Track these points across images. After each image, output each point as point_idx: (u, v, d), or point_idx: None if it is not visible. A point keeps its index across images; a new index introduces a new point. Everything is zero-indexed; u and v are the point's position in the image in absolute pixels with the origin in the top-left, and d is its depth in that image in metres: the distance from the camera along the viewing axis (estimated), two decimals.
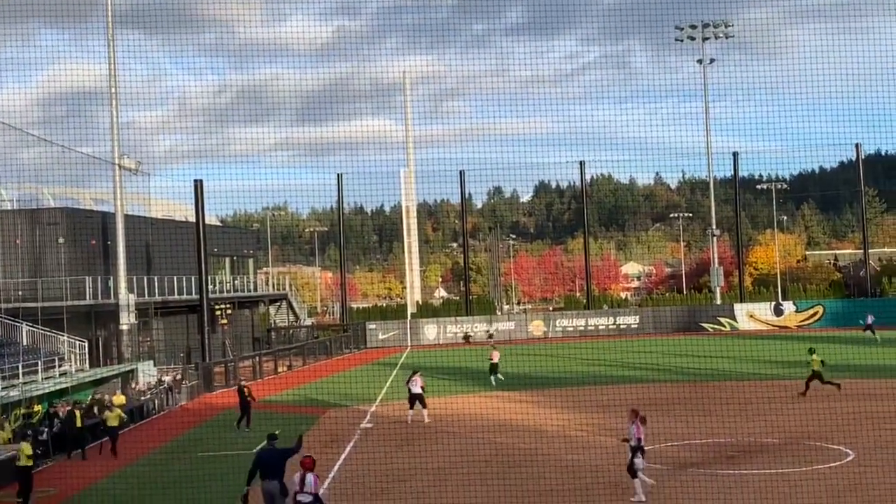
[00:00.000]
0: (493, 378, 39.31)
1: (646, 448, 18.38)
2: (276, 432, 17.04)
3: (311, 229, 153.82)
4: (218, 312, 59.32)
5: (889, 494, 16.94)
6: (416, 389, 30.05)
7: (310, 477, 14.91)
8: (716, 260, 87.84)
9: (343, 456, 24.77)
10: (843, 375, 37.41)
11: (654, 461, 21.96)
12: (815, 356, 32.17)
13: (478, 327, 77.05)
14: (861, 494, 17.27)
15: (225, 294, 66.48)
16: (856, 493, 17.46)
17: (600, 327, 78.75)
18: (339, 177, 77.96)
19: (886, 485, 17.73)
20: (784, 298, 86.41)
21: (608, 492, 18.64)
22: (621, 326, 78.54)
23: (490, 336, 73.33)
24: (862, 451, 21.71)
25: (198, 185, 51.52)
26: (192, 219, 53.92)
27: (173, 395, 39.35)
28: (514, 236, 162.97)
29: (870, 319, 61.46)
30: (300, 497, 14.79)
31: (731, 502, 17.17)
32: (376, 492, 17.68)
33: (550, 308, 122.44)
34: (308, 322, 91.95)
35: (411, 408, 29.97)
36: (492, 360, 40.05)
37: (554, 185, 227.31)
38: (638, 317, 79.91)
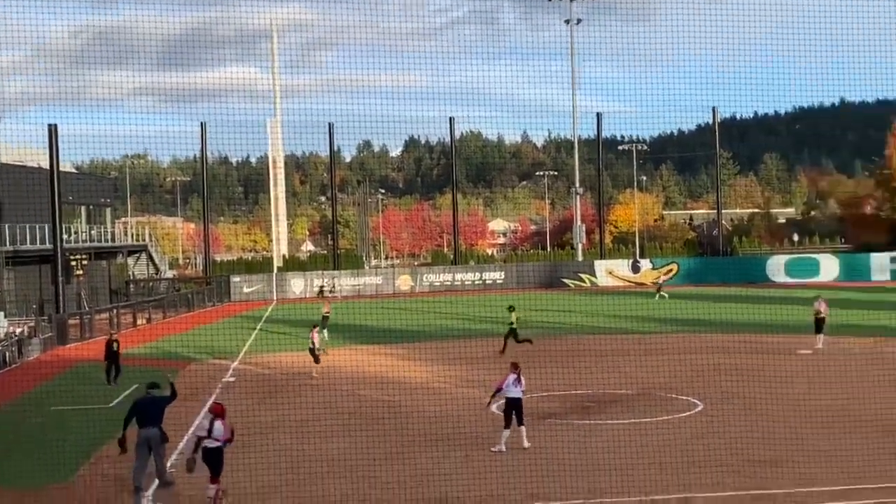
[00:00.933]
0: (325, 332, 38.47)
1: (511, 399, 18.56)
2: (158, 381, 16.97)
3: (173, 179, 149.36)
4: (73, 263, 57.01)
5: (734, 441, 17.81)
6: (310, 344, 29.65)
7: (218, 423, 14.79)
8: (578, 218, 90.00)
9: (203, 410, 24.28)
10: (697, 329, 39.03)
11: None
12: (513, 314, 32.71)
13: (328, 282, 76.39)
14: (708, 442, 18.08)
15: (80, 244, 63.97)
16: (703, 441, 18.27)
17: (466, 282, 79.63)
18: (203, 125, 75.71)
19: (731, 433, 18.63)
20: (641, 256, 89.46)
21: (468, 442, 18.92)
22: (487, 281, 79.62)
23: (332, 290, 72.50)
24: (709, 402, 22.73)
25: (52, 130, 49.10)
26: (46, 165, 51.42)
27: (25, 347, 37.73)
28: (383, 191, 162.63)
29: (662, 279, 64.45)
30: (207, 443, 14.73)
31: (587, 450, 17.69)
32: (238, 446, 17.42)
33: (416, 263, 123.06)
34: (169, 274, 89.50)
35: (316, 363, 29.41)
36: (325, 313, 39.32)
37: (423, 140, 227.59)
38: (503, 272, 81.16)
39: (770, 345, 33.04)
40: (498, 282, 79.53)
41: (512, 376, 18.25)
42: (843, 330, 34.53)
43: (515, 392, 18.00)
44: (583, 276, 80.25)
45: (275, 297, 74.40)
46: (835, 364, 27.17)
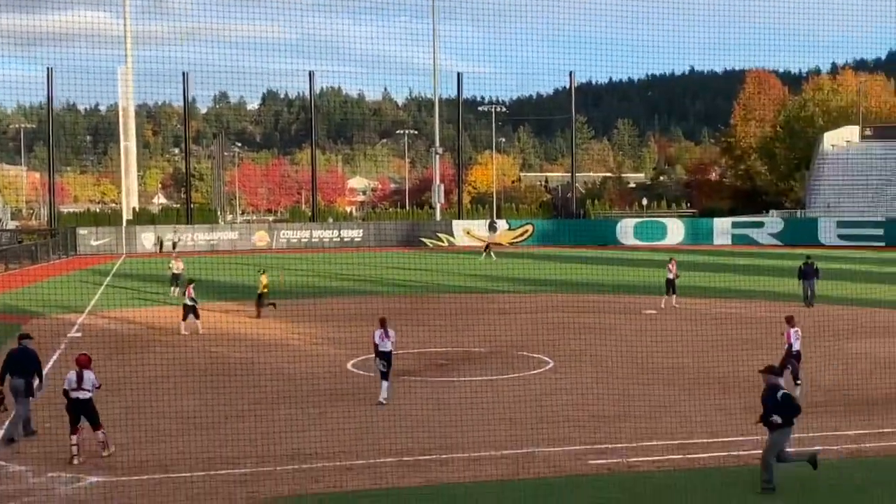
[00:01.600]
0: (175, 289, 37.74)
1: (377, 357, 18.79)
2: (29, 332, 17.30)
3: (17, 126, 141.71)
4: None
5: (581, 398, 18.41)
6: (188, 301, 28.66)
7: (88, 374, 15.14)
8: (437, 178, 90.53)
9: (48, 367, 23.32)
10: (549, 289, 40.03)
11: (370, 370, 22.49)
12: (263, 276, 32.65)
13: (177, 237, 74.37)
14: (557, 398, 18.64)
15: None
16: (553, 397, 18.83)
17: (325, 240, 79.10)
18: (50, 71, 71.94)
19: (579, 390, 19.26)
20: (498, 217, 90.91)
21: (325, 398, 18.89)
22: (345, 239, 79.32)
23: (174, 245, 70.66)
24: (559, 360, 23.40)
25: None
26: None
27: None
28: (239, 144, 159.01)
29: (489, 240, 66.05)
30: (77, 394, 15.03)
31: (441, 406, 17.95)
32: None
33: (271, 219, 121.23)
34: (11, 225, 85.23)
35: (184, 319, 28.37)
36: (175, 270, 38.47)
37: (282, 94, 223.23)
38: (362, 230, 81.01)
39: (618, 305, 34.24)
40: (356, 240, 79.34)
41: (378, 331, 18.77)
42: (686, 291, 36.11)
43: (385, 345, 18.69)
44: (441, 235, 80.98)
45: (124, 252, 71.95)
46: (678, 324, 28.43)
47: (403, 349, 24.42)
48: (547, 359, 23.70)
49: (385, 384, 18.71)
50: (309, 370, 21.82)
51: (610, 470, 14.21)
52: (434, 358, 23.78)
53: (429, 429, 16.41)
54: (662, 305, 33.33)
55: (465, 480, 13.64)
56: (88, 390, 15.05)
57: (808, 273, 34.00)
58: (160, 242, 72.12)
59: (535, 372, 22.14)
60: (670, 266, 34.55)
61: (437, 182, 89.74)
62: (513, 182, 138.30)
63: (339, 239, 79.47)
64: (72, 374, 15.20)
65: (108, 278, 49.97)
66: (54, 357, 24.67)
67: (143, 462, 14.60)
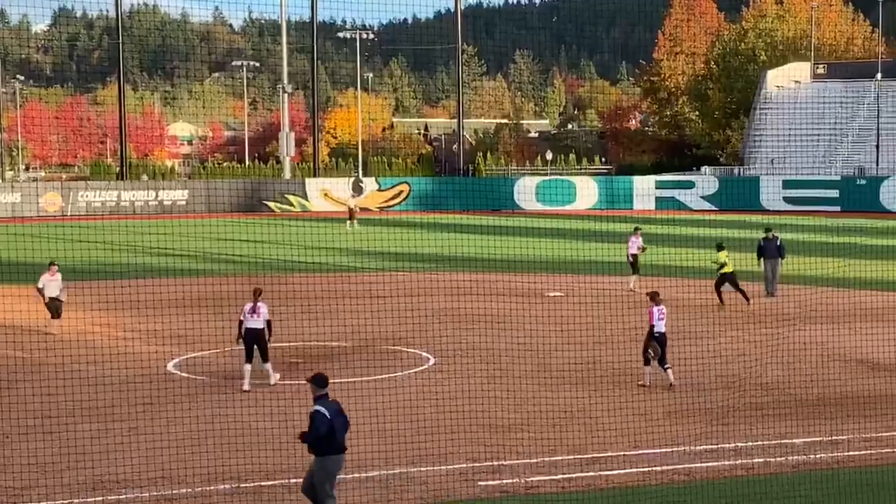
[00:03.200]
0: None
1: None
2: None
3: None
4: None
5: (468, 404, 18.58)
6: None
7: (262, 306, 19.87)
8: (286, 123, 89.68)
9: None
10: (431, 267, 40.28)
11: (199, 371, 22.20)
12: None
13: None
14: (439, 404, 18.77)
15: None
16: (433, 402, 18.95)
17: (137, 203, 77.57)
18: None
19: (467, 393, 19.42)
20: (365, 174, 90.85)
21: (138, 410, 18.59)
22: (165, 203, 77.96)
23: None
24: (442, 356, 23.57)
25: None
26: None
27: None
28: (22, 78, 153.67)
29: (352, 203, 66.56)
30: (251, 324, 19.95)
31: (289, 418, 17.89)
32: None
33: (68, 176, 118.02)
34: None
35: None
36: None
37: (80, 12, 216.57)
38: (187, 191, 79.76)
39: (517, 286, 34.71)
40: (180, 203, 78.06)
41: (248, 304, 20.49)
42: (601, 268, 36.86)
43: (255, 322, 20.42)
44: (291, 197, 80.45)
45: None
46: (591, 309, 28.99)
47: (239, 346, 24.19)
48: (427, 355, 23.83)
49: (248, 368, 20.41)
50: (117, 373, 21.39)
51: (504, 493, 14.42)
52: (283, 356, 23.64)
53: (273, 446, 16.31)
54: (632, 287, 33.64)
55: None
56: (262, 320, 19.86)
57: (769, 250, 34.00)
58: None
59: (411, 371, 22.25)
60: (634, 238, 34.74)
61: (286, 129, 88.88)
62: (384, 130, 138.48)
63: (156, 202, 77.94)
64: (247, 305, 20.04)
65: None
66: None
67: None
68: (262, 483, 14.74)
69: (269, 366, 20.80)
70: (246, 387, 20.28)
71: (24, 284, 34.70)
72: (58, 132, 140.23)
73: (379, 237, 51.26)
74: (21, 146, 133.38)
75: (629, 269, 34.98)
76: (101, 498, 14.16)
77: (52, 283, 27.04)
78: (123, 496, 14.22)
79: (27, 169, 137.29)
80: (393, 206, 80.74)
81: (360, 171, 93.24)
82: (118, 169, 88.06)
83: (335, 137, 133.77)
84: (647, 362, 20.77)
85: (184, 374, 22.13)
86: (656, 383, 20.61)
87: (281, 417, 18.09)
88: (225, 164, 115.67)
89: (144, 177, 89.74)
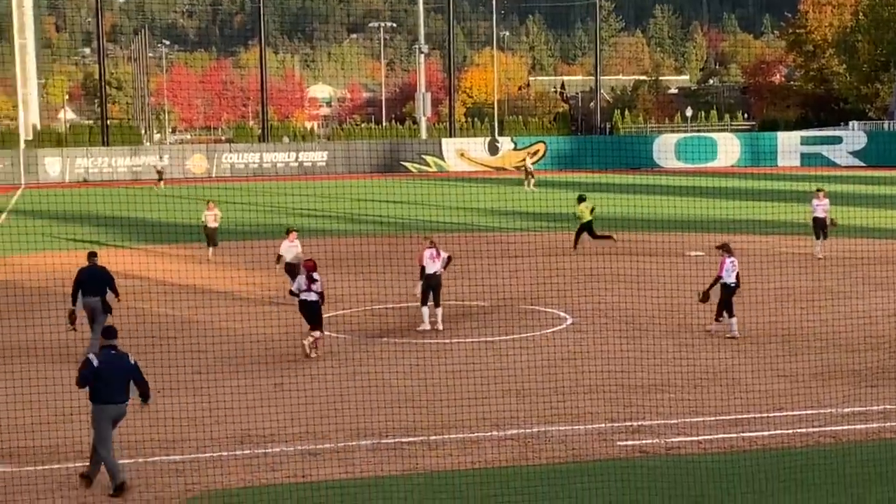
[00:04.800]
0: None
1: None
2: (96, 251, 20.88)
3: None
4: None
5: (606, 364, 18.52)
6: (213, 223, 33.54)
7: (317, 276, 20.15)
8: (423, 84, 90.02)
9: None
10: (567, 227, 40.11)
11: (337, 328, 22.61)
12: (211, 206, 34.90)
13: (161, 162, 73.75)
14: (576, 364, 18.75)
15: None
16: (571, 363, 18.94)
17: (279, 165, 78.96)
18: None
19: (605, 353, 19.36)
20: (501, 133, 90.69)
21: (282, 366, 19.00)
22: (305, 164, 79.16)
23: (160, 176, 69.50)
24: (580, 316, 23.51)
25: None
26: None
27: None
28: (167, 43, 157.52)
29: (529, 163, 65.41)
30: (306, 296, 20.09)
31: (430, 376, 18.08)
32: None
33: (213, 139, 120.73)
34: None
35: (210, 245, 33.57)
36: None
37: None
38: (326, 153, 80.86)
39: (656, 245, 34.33)
40: (319, 164, 79.20)
41: (428, 251, 21.86)
42: (740, 227, 36.17)
43: (433, 267, 21.91)
44: (428, 158, 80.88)
45: (22, 182, 71.74)
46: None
47: (383, 303, 24.55)
48: (564, 314, 23.80)
49: (426, 310, 21.99)
50: (262, 331, 21.89)
51: (644, 453, 14.36)
52: (421, 314, 23.87)
53: (414, 404, 16.54)
54: (818, 254, 32.18)
55: (460, 467, 13.79)
56: (317, 292, 20.03)
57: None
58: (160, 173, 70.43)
59: (549, 331, 22.25)
60: (818, 201, 32.45)
61: (423, 89, 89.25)
62: (520, 89, 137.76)
63: (296, 164, 79.25)
64: (301, 278, 20.38)
65: (3, 216, 49.84)
66: None
67: (53, 448, 14.71)
68: (402, 439, 14.96)
69: (440, 311, 22.39)
70: (427, 327, 22.05)
71: (172, 244, 35.78)
72: (202, 96, 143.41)
73: (515, 197, 51.23)
74: (167, 110, 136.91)
75: (815, 232, 32.59)
76: (248, 451, 14.57)
77: (291, 249, 27.51)
78: (269, 450, 14.60)
79: (173, 132, 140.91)
80: (531, 165, 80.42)
81: (496, 131, 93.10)
82: (260, 131, 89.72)
83: (471, 97, 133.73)
84: (731, 314, 21.11)
85: (326, 333, 22.56)
86: (805, 343, 20.22)
87: (421, 375, 18.31)
88: (363, 125, 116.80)
89: (285, 139, 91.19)
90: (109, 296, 20.55)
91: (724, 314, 21.15)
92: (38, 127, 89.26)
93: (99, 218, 41.71)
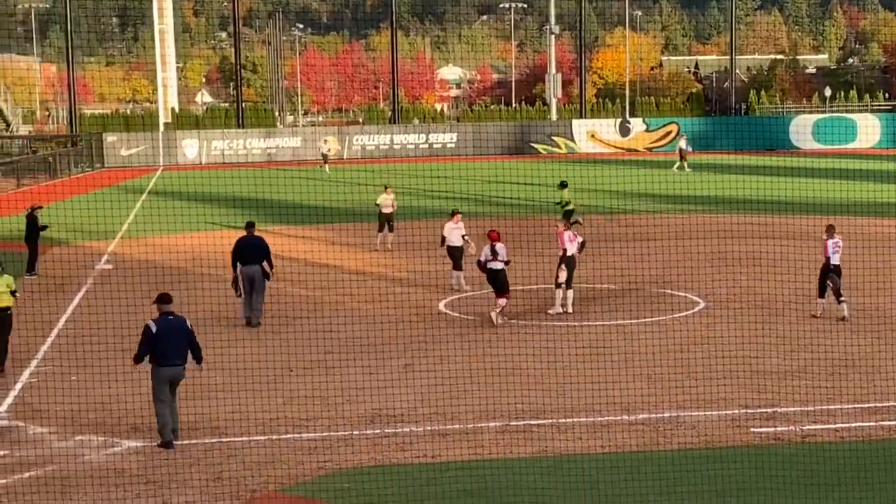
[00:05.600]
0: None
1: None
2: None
3: (28, 5, 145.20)
4: None
5: (740, 349, 18.21)
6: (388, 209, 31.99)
7: (500, 246, 21.20)
8: (553, 65, 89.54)
9: (71, 308, 24.22)
10: (701, 209, 39.53)
11: (469, 312, 22.69)
12: (387, 192, 32.59)
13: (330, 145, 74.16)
14: (709, 349, 18.47)
15: None
16: (703, 347, 18.67)
17: (409, 146, 79.49)
18: None
19: (738, 338, 19.03)
20: (633, 115, 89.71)
21: (412, 347, 19.16)
22: (434, 146, 79.54)
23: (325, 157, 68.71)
24: (713, 300, 23.16)
25: None
26: None
27: None
28: (301, 27, 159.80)
29: (683, 143, 62.69)
30: (492, 265, 21.11)
31: (559, 359, 18.02)
32: (117, 352, 17.47)
33: (344, 121, 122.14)
34: (23, 130, 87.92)
35: (381, 231, 31.95)
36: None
37: None
38: (456, 134, 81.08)
39: (792, 228, 33.58)
40: (449, 146, 79.49)
41: (568, 233, 22.11)
42: (879, 210, 35.17)
43: (572, 248, 22.02)
44: (558, 139, 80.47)
45: (161, 163, 73.66)
46: (872, 252, 27.75)
47: (511, 285, 24.51)
48: (696, 298, 23.48)
49: (560, 293, 21.96)
50: (392, 312, 22.12)
51: (778, 440, 14.10)
52: (551, 296, 23.81)
53: (543, 386, 16.52)
54: None
55: (589, 451, 13.72)
56: (501, 261, 21.00)
57: None
58: (324, 156, 69.73)
59: (680, 315, 21.98)
60: None
61: (553, 71, 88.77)
62: (652, 69, 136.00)
63: (426, 145, 79.69)
64: (487, 248, 21.25)
65: (143, 196, 51.25)
66: (80, 295, 25.59)
67: (190, 424, 15.09)
68: (531, 422, 14.95)
69: (570, 294, 22.12)
70: (559, 309, 21.99)
71: (306, 225, 36.33)
72: (334, 78, 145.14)
73: (647, 179, 50.66)
74: (300, 92, 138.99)
75: None
76: (378, 430, 14.74)
77: (454, 231, 27.61)
78: (399, 430, 14.74)
79: (306, 114, 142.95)
80: (661, 146, 79.45)
81: (628, 112, 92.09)
82: (390, 113, 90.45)
83: (602, 78, 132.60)
84: (821, 294, 21.14)
85: (455, 314, 22.66)
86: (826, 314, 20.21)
87: (550, 358, 18.28)
88: (492, 106, 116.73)
89: (415, 121, 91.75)
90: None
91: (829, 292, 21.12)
92: (177, 110, 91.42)
93: (235, 199, 42.55)
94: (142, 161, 73.55)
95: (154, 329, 14.51)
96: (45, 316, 21.80)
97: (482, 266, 21.31)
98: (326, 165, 65.92)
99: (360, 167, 68.48)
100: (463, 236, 25.17)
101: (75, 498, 12.54)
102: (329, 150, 70.65)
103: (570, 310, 22.10)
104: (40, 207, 29.92)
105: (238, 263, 21.61)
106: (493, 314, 21.19)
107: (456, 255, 25.32)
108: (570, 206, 33.72)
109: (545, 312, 22.22)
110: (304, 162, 73.57)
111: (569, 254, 22.04)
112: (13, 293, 18.32)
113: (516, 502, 12.06)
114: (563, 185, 34.15)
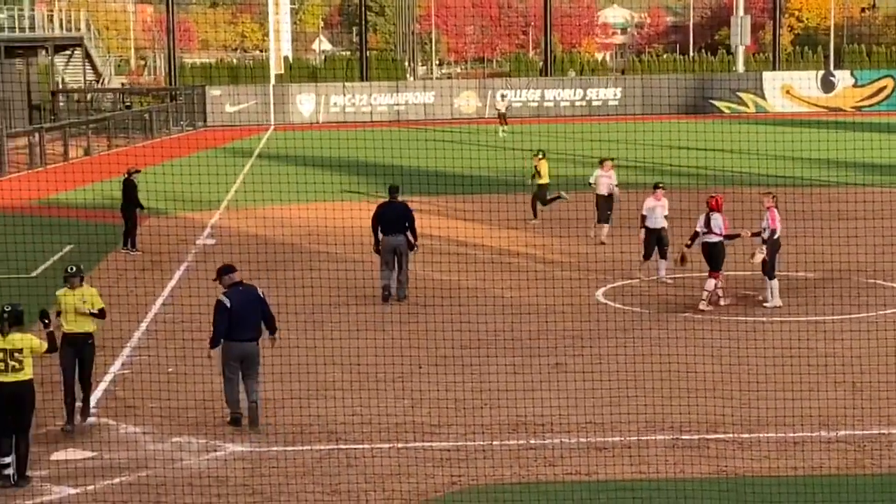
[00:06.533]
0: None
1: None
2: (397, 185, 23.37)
3: None
4: None
5: None
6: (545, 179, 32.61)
7: (717, 218, 21.64)
8: (741, 5, 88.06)
9: (168, 289, 24.85)
10: None
11: (631, 302, 22.56)
12: (541, 161, 33.06)
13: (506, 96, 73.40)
14: None
15: None
16: None
17: (563, 103, 79.18)
18: None
19: None
20: (837, 67, 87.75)
21: (564, 343, 19.12)
22: (594, 103, 79.08)
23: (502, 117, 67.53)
24: None
25: None
26: None
27: None
28: None
29: None
30: (706, 238, 21.67)
31: (743, 359, 17.82)
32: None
33: (486, 73, 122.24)
34: (116, 82, 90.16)
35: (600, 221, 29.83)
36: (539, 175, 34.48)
37: None
38: (620, 89, 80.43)
39: None
40: (611, 103, 78.90)
41: (702, 216, 22.16)
42: None
43: (708, 237, 22.12)
44: (744, 95, 79.26)
45: (272, 121, 74.77)
46: None
47: (685, 271, 24.29)
48: None
49: (776, 284, 22.03)
50: (540, 301, 22.09)
51: None
52: (735, 285, 23.52)
53: (723, 394, 16.33)
54: None
55: (778, 473, 13.57)
56: (717, 234, 21.50)
57: None
58: (502, 114, 69.17)
59: (892, 311, 21.50)
60: None
61: (740, 12, 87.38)
62: (863, 11, 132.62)
63: (584, 102, 79.22)
64: (701, 219, 21.81)
65: (251, 160, 52.15)
66: (177, 274, 26.22)
67: (304, 427, 15.36)
68: (706, 436, 14.82)
69: (775, 283, 22.27)
70: (777, 303, 22.03)
71: (441, 196, 36.50)
72: (475, 22, 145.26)
73: (854, 144, 49.55)
74: (434, 39, 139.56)
75: None
76: (522, 441, 14.78)
77: (602, 180, 27.76)
78: (547, 441, 14.76)
79: (440, 65, 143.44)
80: (872, 105, 77.60)
81: (831, 63, 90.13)
82: (541, 64, 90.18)
83: (801, 21, 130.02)
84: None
85: (616, 304, 22.54)
86: None
87: (731, 360, 18.06)
88: (664, 55, 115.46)
89: (572, 73, 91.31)
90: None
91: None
92: (291, 59, 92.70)
93: (358, 165, 43.04)
94: (250, 119, 74.75)
95: (228, 303, 15.28)
96: (139, 298, 22.42)
97: (694, 238, 21.98)
98: (503, 125, 64.86)
99: (504, 127, 68.40)
100: (665, 217, 24.74)
101: None
102: (507, 106, 70.01)
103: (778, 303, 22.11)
104: (138, 171, 30.63)
105: (379, 233, 22.72)
106: (701, 303, 21.82)
107: (604, 206, 26.95)
108: (545, 180, 33.20)
109: (736, 304, 21.94)
110: (437, 121, 73.86)
111: (776, 236, 22.00)
112: (98, 313, 16.05)
113: None
114: (541, 154, 33.59)
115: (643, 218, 24.63)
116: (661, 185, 25.46)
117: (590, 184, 30.09)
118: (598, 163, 29.60)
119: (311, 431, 15.25)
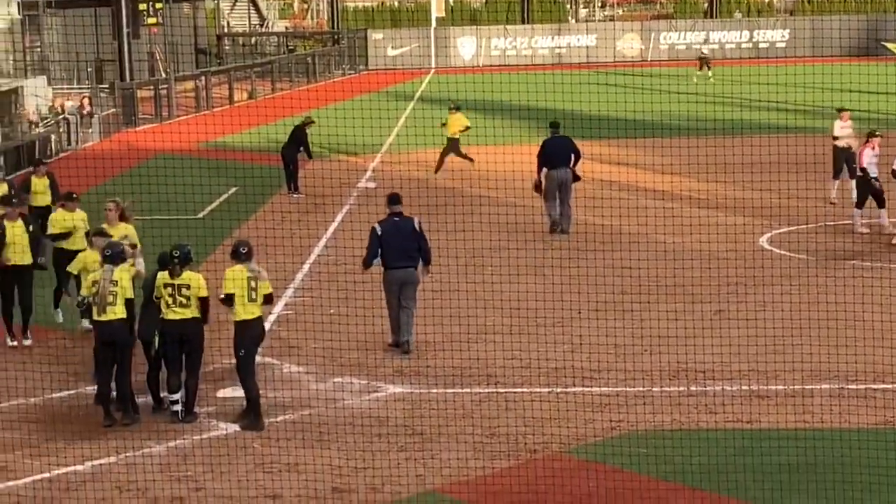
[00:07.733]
0: None
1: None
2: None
3: None
4: (143, 8, 58.89)
5: None
6: None
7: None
8: None
9: (330, 231, 25.20)
10: None
11: (797, 249, 22.20)
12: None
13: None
14: None
15: None
16: None
17: (728, 46, 77.86)
18: None
19: None
20: None
21: (727, 291, 18.92)
22: (760, 45, 77.65)
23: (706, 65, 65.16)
24: None
25: None
26: None
27: (78, 128, 39.69)
28: None
29: None
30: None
31: None
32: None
33: (649, 15, 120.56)
34: (279, 27, 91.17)
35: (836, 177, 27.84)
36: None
37: None
38: (788, 31, 78.75)
39: None
40: (779, 45, 77.25)
41: (868, 148, 22.85)
42: None
43: (872, 170, 22.60)
44: None
45: (433, 65, 74.98)
46: None
47: (849, 220, 23.81)
48: None
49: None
50: (703, 247, 21.86)
51: None
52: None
53: (888, 343, 15.98)
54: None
55: None
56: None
57: None
58: (703, 59, 66.97)
59: None
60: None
61: None
62: None
63: (750, 45, 77.71)
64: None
65: (412, 103, 52.38)
66: (339, 217, 26.57)
67: (463, 369, 15.50)
68: (872, 385, 14.57)
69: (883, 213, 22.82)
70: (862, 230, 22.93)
71: (603, 140, 36.28)
72: None
73: None
74: None
75: None
76: (682, 388, 14.72)
77: (843, 131, 26.94)
78: (708, 388, 14.67)
79: (602, 6, 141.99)
80: None
81: None
82: (706, 5, 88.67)
83: None
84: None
85: (780, 251, 22.20)
86: None
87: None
88: None
89: (738, 14, 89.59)
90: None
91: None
92: (451, 2, 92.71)
93: (520, 109, 42.87)
94: (412, 62, 75.05)
95: (379, 231, 16.14)
96: (301, 240, 22.77)
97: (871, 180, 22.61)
98: (708, 70, 62.77)
99: (668, 70, 67.54)
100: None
101: (333, 447, 13.16)
102: (711, 50, 68.62)
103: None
104: (312, 122, 30.93)
105: (545, 167, 23.77)
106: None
107: (843, 158, 26.01)
108: (455, 135, 32.90)
109: None
110: (599, 64, 73.23)
111: (871, 174, 22.59)
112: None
113: (853, 480, 11.80)
114: (455, 108, 33.46)
115: (863, 171, 23.24)
116: (877, 132, 24.15)
117: (834, 137, 27.86)
118: (836, 112, 27.93)
119: (471, 374, 15.39)
